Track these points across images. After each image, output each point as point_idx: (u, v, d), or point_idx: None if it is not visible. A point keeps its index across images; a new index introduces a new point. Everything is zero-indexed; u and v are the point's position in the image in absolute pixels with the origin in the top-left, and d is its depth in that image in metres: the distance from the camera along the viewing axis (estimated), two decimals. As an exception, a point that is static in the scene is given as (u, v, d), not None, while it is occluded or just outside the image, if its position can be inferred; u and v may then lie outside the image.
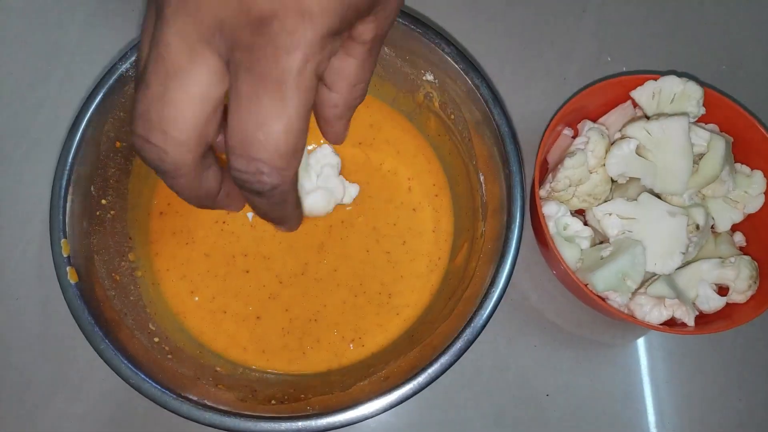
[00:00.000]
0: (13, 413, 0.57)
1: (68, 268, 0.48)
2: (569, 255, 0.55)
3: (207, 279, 0.57)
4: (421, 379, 0.46)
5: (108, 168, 0.54)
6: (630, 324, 0.60)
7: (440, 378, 0.46)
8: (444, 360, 0.46)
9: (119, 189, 0.55)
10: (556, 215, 0.56)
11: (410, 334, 0.55)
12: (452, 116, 0.57)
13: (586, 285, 0.53)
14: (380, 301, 0.56)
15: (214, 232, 0.58)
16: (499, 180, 0.52)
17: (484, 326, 0.48)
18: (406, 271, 0.57)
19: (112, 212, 0.54)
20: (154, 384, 0.46)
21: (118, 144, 0.54)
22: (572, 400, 0.59)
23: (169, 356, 0.51)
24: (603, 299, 0.53)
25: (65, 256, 0.48)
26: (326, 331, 0.56)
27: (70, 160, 0.50)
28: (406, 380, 0.46)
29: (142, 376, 0.46)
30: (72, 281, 0.48)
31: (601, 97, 0.60)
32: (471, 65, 0.53)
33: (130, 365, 0.46)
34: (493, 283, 0.48)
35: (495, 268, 0.49)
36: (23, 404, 0.57)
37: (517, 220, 0.50)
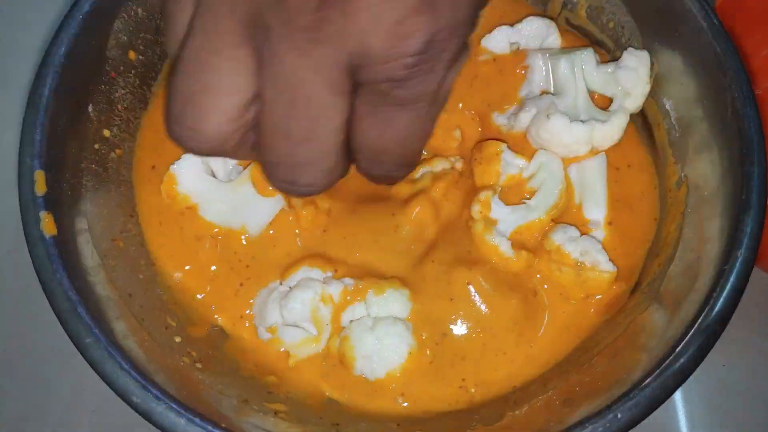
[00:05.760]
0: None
1: (42, 213, 0.29)
2: None
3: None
4: (647, 393, 0.26)
5: (116, 87, 0.36)
6: None
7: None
8: (678, 364, 0.27)
9: (130, 122, 0.38)
10: None
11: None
12: (611, 24, 0.40)
13: None
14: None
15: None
16: (704, 93, 0.34)
17: (732, 309, 0.28)
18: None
19: (117, 151, 0.36)
20: (177, 407, 0.27)
21: (132, 55, 0.37)
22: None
23: (198, 365, 0.32)
24: None
25: (39, 195, 0.30)
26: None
27: (62, 52, 0.32)
28: (618, 400, 0.26)
29: (155, 392, 0.27)
30: (47, 233, 0.29)
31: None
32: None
33: (135, 373, 0.27)
34: (734, 244, 0.29)
35: (732, 223, 0.30)
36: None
37: (758, 145, 0.31)
